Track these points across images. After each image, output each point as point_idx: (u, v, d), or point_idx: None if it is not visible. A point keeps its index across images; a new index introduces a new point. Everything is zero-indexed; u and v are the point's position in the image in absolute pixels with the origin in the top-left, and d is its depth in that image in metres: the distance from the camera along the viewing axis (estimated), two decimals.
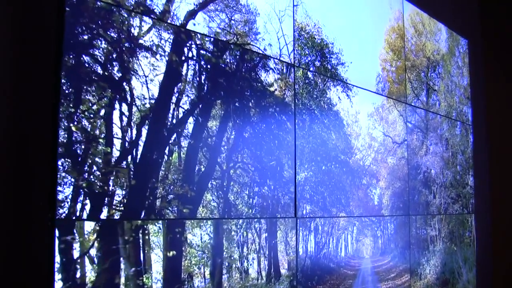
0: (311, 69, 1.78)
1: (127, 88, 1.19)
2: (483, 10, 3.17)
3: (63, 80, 1.07)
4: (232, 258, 1.47)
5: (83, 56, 1.12)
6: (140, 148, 1.20)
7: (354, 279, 2.17)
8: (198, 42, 1.37)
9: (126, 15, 1.20)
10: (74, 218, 1.06)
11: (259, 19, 1.60)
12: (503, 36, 3.42)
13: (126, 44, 1.19)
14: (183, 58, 1.37)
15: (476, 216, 2.87)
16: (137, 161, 1.19)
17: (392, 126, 2.34)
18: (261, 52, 1.56)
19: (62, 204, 1.05)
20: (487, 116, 2.95)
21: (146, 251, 1.18)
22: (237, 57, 1.49)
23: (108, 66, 1.17)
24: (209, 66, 1.47)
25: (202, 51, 1.43)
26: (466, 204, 2.85)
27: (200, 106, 1.41)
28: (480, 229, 2.87)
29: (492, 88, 3.01)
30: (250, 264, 1.52)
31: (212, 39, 1.40)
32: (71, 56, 1.10)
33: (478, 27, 3.12)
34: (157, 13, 1.26)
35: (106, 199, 1.12)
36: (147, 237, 1.19)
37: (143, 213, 1.20)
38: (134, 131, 1.19)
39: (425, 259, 2.70)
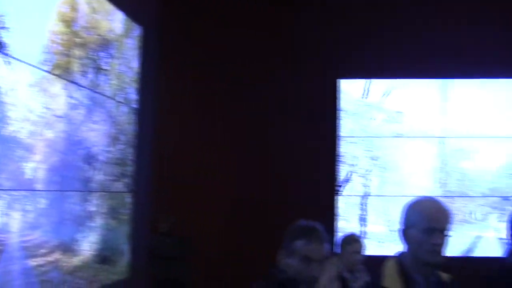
0: None
1: None
2: None
3: None
4: None
5: None
6: None
7: (1, 255, 2.97)
8: None
9: None
10: None
11: None
12: (180, 26, 5.24)
13: None
14: None
15: (134, 194, 4.38)
16: None
17: (54, 100, 3.29)
18: None
19: None
20: (155, 100, 4.59)
21: None
22: None
23: None
24: None
25: None
26: (128, 182, 4.33)
27: None
28: (137, 206, 4.45)
29: (163, 74, 4.67)
30: None
31: None
32: None
33: (155, 14, 4.66)
34: None
35: None
36: None
37: None
38: None
39: (83, 235, 3.91)
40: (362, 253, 3.61)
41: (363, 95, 5.97)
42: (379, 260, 1.86)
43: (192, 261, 4.80)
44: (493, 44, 5.68)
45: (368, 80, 5.97)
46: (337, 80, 5.96)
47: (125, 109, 4.00)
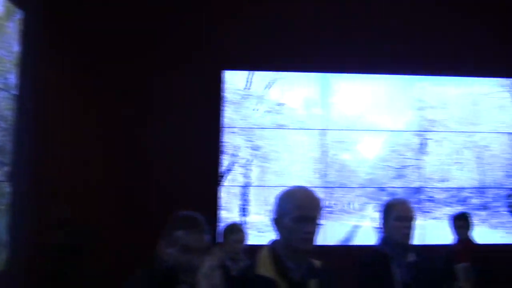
0: None
1: None
2: None
3: None
4: None
5: None
6: None
7: None
8: None
9: None
10: None
11: None
12: (62, 13, 5.57)
13: None
14: None
15: (14, 183, 4.51)
16: None
17: None
18: None
19: None
20: (36, 87, 4.91)
21: None
22: None
23: None
24: None
25: None
26: (7, 171, 4.60)
27: None
28: (17, 196, 4.68)
29: (44, 60, 5.02)
30: None
31: None
32: None
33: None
34: None
35: None
36: None
37: None
38: None
39: None
40: (244, 243, 3.99)
41: (246, 86, 6.68)
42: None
43: (88, 251, 5.13)
44: (374, 39, 6.66)
45: (251, 72, 6.71)
46: (221, 71, 6.59)
47: (4, 94, 4.31)
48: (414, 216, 3.00)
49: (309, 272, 2.07)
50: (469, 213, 5.17)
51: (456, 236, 5.03)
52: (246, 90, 6.68)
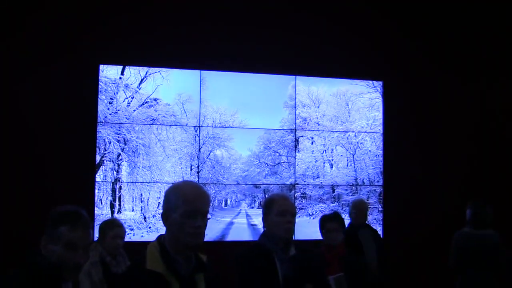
0: None
1: None
2: None
3: None
4: None
5: None
6: None
7: None
8: None
9: None
10: None
11: None
12: None
13: None
14: None
15: None
16: None
17: None
18: None
19: None
20: None
21: None
22: None
23: None
24: None
25: None
26: None
27: None
28: None
29: None
30: None
31: None
32: None
33: None
34: None
35: None
36: None
37: None
38: None
39: None
40: (123, 238, 4.03)
41: (120, 80, 6.55)
42: (134, 246, 2.21)
43: None
44: (249, 38, 6.83)
45: (126, 67, 6.62)
46: (97, 65, 6.48)
47: None
48: (295, 211, 3.11)
49: (197, 267, 2.12)
50: (340, 213, 4.44)
51: (327, 241, 4.20)
52: (120, 84, 6.53)
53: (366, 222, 5.64)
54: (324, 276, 3.26)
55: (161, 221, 2.15)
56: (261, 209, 3.16)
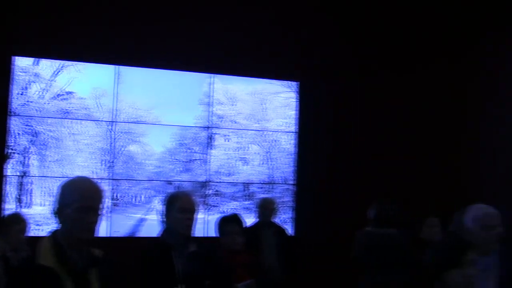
0: None
1: None
2: None
3: None
4: None
5: None
6: None
7: None
8: None
9: None
10: None
11: None
12: None
13: None
14: None
15: None
16: None
17: None
18: None
19: None
20: None
21: None
22: None
23: None
24: None
25: None
26: None
27: None
28: None
29: None
30: None
31: None
32: None
33: None
34: None
35: None
36: None
37: None
38: None
39: None
40: (27, 233, 4.00)
41: (33, 72, 6.42)
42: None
43: None
44: (159, 35, 6.82)
45: (41, 59, 6.49)
46: (12, 57, 6.33)
47: None
48: (196, 209, 3.14)
49: (90, 262, 2.13)
50: (239, 216, 4.19)
51: (227, 246, 3.97)
52: (33, 75, 6.38)
53: (272, 220, 5.76)
54: (225, 272, 3.34)
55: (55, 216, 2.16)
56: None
